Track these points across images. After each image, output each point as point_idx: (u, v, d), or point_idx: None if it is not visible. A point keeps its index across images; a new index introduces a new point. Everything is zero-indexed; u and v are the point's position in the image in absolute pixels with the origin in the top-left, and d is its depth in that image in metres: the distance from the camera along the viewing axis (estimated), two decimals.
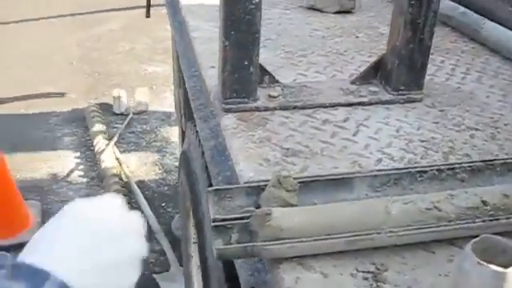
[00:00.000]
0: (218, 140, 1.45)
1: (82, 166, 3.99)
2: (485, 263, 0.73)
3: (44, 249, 0.67)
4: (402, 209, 0.97)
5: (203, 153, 1.61)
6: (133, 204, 3.43)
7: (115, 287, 0.70)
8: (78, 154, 4.13)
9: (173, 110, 3.61)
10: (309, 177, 1.06)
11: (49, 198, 3.66)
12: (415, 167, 1.11)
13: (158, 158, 4.08)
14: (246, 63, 1.33)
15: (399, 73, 1.44)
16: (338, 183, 1.05)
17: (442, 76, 1.64)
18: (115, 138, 4.19)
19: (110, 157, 3.90)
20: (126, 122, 4.46)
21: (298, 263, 0.93)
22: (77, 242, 0.69)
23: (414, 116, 1.41)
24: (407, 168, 1.11)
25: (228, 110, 1.37)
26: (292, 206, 0.98)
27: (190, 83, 1.80)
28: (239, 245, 0.94)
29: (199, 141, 1.70)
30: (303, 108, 1.41)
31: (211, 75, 1.54)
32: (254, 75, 1.35)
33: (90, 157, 4.06)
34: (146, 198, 3.54)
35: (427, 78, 1.51)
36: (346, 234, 0.94)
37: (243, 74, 1.34)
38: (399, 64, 1.43)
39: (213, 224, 0.96)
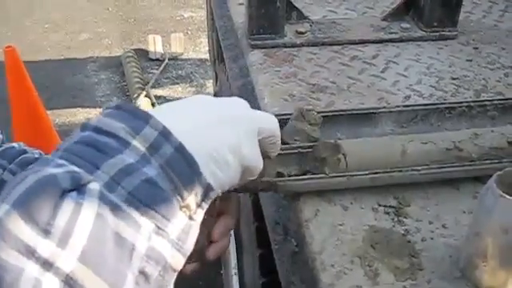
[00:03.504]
0: (246, 79, 1.44)
1: None
2: (508, 196, 0.71)
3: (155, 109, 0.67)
4: (419, 148, 0.94)
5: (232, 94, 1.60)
6: None
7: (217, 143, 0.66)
8: (114, 99, 4.17)
9: (208, 55, 3.60)
10: (332, 111, 1.03)
11: None
12: (443, 103, 1.07)
13: None
14: None
15: (432, 9, 1.38)
16: (363, 118, 1.03)
17: (479, 13, 1.57)
18: (151, 84, 4.21)
19: (145, 102, 3.94)
20: (161, 68, 4.47)
21: (317, 196, 0.92)
22: (188, 108, 0.68)
23: (446, 53, 1.36)
24: (435, 104, 1.07)
25: (255, 46, 1.35)
26: (314, 140, 0.97)
27: (220, 23, 1.77)
28: (261, 179, 0.93)
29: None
30: (331, 44, 1.37)
31: (239, 12, 1.52)
32: (280, 10, 1.32)
33: (127, 102, 4.10)
34: None
35: (462, 15, 1.45)
36: (364, 172, 0.92)
37: (270, 9, 1.31)
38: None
39: None
